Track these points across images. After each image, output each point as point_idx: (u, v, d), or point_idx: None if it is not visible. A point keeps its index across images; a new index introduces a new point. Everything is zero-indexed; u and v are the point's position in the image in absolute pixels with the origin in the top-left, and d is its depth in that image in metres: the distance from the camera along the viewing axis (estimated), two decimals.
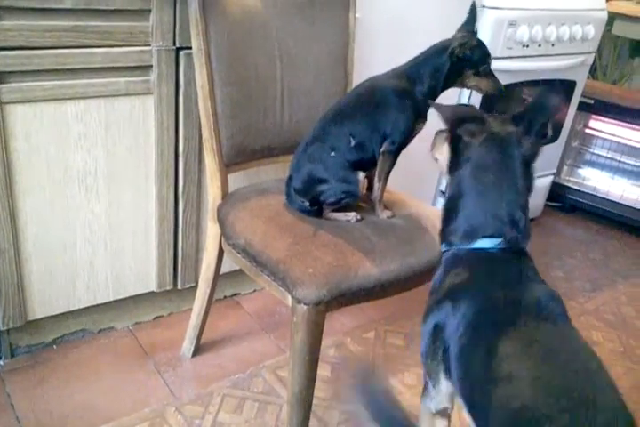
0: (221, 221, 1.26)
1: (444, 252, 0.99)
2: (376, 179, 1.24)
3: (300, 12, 1.38)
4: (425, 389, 1.00)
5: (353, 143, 1.19)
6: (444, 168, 1.03)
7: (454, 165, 0.98)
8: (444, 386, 0.94)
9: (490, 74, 1.22)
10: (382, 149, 1.21)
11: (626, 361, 1.75)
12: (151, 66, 1.31)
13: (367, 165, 1.25)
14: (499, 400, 0.75)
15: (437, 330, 0.92)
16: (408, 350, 1.65)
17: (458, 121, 0.96)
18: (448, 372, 0.90)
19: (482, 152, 0.94)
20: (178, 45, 1.32)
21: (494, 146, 0.94)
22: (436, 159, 1.09)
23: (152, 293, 1.55)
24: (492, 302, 0.87)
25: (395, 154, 1.22)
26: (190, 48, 1.25)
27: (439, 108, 1.00)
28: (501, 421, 0.74)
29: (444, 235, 0.99)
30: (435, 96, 1.23)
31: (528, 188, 0.99)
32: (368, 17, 1.60)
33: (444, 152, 1.03)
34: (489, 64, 1.21)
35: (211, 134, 1.27)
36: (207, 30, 1.23)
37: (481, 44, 1.20)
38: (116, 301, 1.52)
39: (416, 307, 1.78)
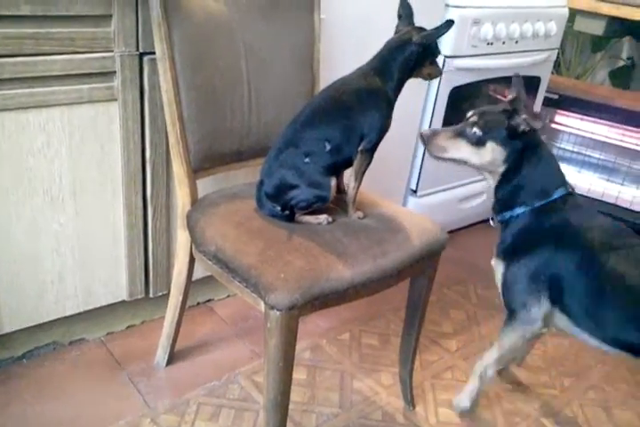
0: (191, 228, 1.25)
1: (516, 215, 1.32)
2: (352, 178, 1.24)
3: (265, 14, 1.37)
4: (519, 319, 1.34)
5: (328, 148, 1.19)
6: (486, 160, 1.30)
7: (513, 149, 1.28)
8: (544, 310, 1.31)
9: (435, 61, 1.29)
10: (360, 148, 1.22)
11: (597, 354, 1.77)
12: (114, 72, 1.28)
13: (342, 167, 1.25)
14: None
15: (541, 268, 1.29)
16: (384, 350, 1.66)
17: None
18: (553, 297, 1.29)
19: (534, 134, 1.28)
20: (141, 51, 1.30)
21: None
22: (454, 159, 1.33)
23: (123, 302, 1.53)
24: (591, 233, 1.26)
25: (372, 152, 1.23)
26: (154, 53, 1.23)
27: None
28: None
29: (515, 200, 1.32)
30: (400, 90, 1.26)
31: None
32: (333, 17, 1.60)
33: (461, 147, 1.30)
34: (439, 52, 1.28)
35: (177, 140, 1.26)
36: (171, 35, 1.21)
37: (431, 33, 1.23)
38: (86, 311, 1.49)
39: (390, 306, 1.81)
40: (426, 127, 2.06)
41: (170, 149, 1.28)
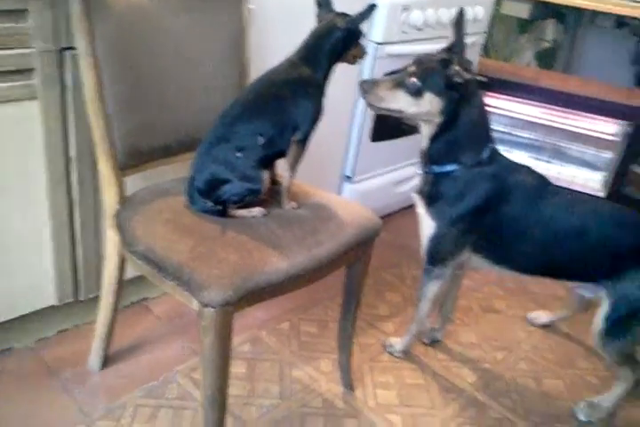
0: (120, 228, 1.24)
1: (446, 171, 1.38)
2: (287, 168, 1.25)
3: (192, 5, 1.35)
4: (437, 274, 1.50)
5: (262, 142, 1.19)
6: (423, 110, 1.32)
7: (450, 100, 1.29)
8: (464, 258, 1.48)
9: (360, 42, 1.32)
10: (294, 139, 1.22)
11: (526, 326, 1.88)
12: (33, 69, 1.24)
13: (275, 158, 1.26)
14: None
15: (470, 222, 1.40)
16: (322, 337, 1.70)
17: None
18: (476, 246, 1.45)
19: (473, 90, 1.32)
20: (62, 46, 1.26)
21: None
22: (392, 109, 1.35)
23: (53, 307, 1.50)
24: (517, 187, 1.39)
25: (305, 142, 1.24)
26: (75, 48, 1.19)
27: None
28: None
29: (447, 156, 1.37)
30: (329, 77, 1.27)
31: None
32: (262, 7, 1.59)
33: (399, 97, 1.32)
34: (364, 33, 1.31)
35: (102, 137, 1.23)
36: (92, 29, 1.18)
37: (355, 17, 1.26)
38: (13, 319, 1.45)
39: (328, 293, 1.85)
40: (359, 115, 2.08)
41: (95, 146, 1.26)
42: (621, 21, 2.70)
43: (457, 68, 1.26)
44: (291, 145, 1.23)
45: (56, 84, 1.28)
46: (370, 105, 1.37)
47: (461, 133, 1.35)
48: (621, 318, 1.40)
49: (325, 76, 1.26)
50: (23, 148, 1.30)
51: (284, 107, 1.21)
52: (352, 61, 1.31)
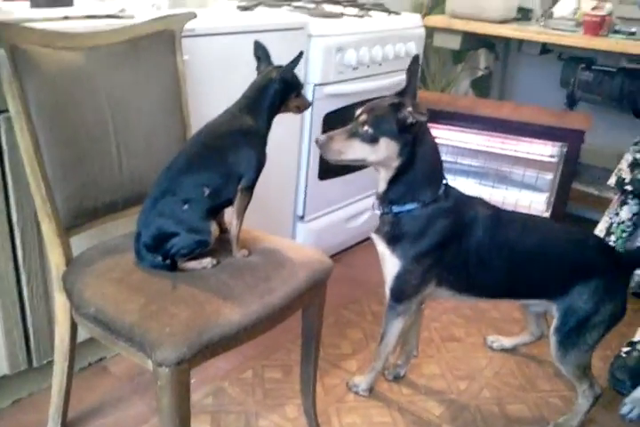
0: (68, 291, 1.21)
1: (407, 210, 1.41)
2: (234, 216, 1.26)
3: (125, 61, 1.36)
4: (402, 310, 1.52)
5: (207, 193, 1.20)
6: (382, 156, 1.35)
7: (405, 142, 1.33)
8: (427, 293, 1.50)
9: (301, 94, 1.35)
10: (240, 187, 1.23)
11: (487, 352, 1.90)
12: None
13: (222, 208, 1.26)
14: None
15: (434, 258, 1.43)
16: (287, 382, 1.68)
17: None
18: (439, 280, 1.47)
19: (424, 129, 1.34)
20: None
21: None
22: (352, 159, 1.37)
23: (5, 376, 1.45)
24: (476, 220, 1.44)
25: (251, 190, 1.25)
26: (8, 111, 1.18)
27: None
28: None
29: (407, 196, 1.40)
30: (270, 126, 1.30)
31: None
32: (197, 58, 1.61)
33: (356, 147, 1.35)
34: (302, 86, 1.34)
35: (43, 199, 1.21)
36: (24, 91, 1.18)
37: (291, 69, 1.29)
38: None
39: (289, 336, 1.83)
40: (304, 155, 2.11)
41: (37, 209, 1.24)
42: (546, 48, 2.84)
43: (409, 109, 1.29)
44: (236, 193, 1.24)
45: None
46: (332, 160, 1.38)
47: (419, 173, 1.38)
48: (571, 329, 1.46)
49: (267, 126, 1.29)
50: None
51: (227, 157, 1.22)
52: (295, 111, 1.35)
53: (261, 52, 1.33)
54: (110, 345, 1.16)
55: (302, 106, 1.35)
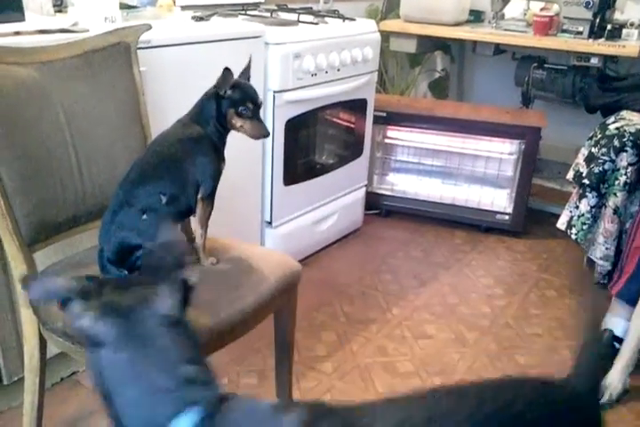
0: (35, 306, 1.20)
1: None
2: (198, 226, 1.26)
3: (81, 75, 1.36)
4: None
5: (164, 200, 1.20)
6: None
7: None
8: None
9: (254, 118, 1.26)
10: (200, 196, 1.23)
11: (459, 347, 1.94)
12: None
13: (184, 216, 1.26)
14: None
15: None
16: (262, 387, 1.68)
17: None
18: None
19: (105, 336, 0.73)
20: None
21: (118, 324, 0.74)
22: None
23: None
24: None
25: (212, 198, 1.25)
26: None
27: None
28: None
29: None
30: (225, 135, 1.28)
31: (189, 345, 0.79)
32: (154, 69, 1.61)
33: None
34: (248, 106, 1.24)
35: (3, 215, 1.19)
36: None
37: (241, 86, 1.25)
38: None
39: (264, 340, 1.84)
40: (268, 161, 2.13)
41: None
42: (499, 48, 2.91)
43: None
44: (197, 203, 1.24)
45: None
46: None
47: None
48: None
49: (219, 134, 1.26)
50: None
51: (180, 164, 1.23)
52: (246, 134, 1.27)
53: (245, 66, 1.31)
54: (81, 359, 1.16)
55: (249, 131, 1.26)
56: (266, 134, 1.29)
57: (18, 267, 1.23)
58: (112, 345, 0.73)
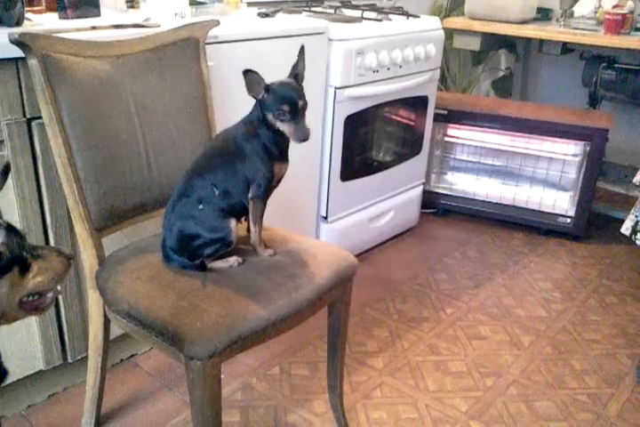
0: (101, 288, 1.25)
1: None
2: (251, 224, 1.28)
3: (151, 68, 1.40)
4: None
5: (217, 192, 1.23)
6: None
7: None
8: None
9: (293, 121, 1.19)
10: (250, 196, 1.25)
11: (513, 349, 1.90)
12: (2, 141, 1.28)
13: (239, 209, 1.29)
14: None
15: None
16: (314, 378, 1.70)
17: None
18: None
19: None
20: (28, 116, 1.31)
21: None
22: None
23: (41, 371, 1.50)
24: None
25: (263, 199, 1.26)
26: (42, 118, 1.23)
27: None
28: None
29: None
30: (282, 136, 1.22)
31: None
32: (221, 64, 1.65)
33: None
34: (283, 109, 1.18)
35: (76, 201, 1.26)
36: (56, 98, 1.22)
37: (274, 89, 1.19)
38: (2, 387, 1.43)
39: (316, 333, 1.86)
40: (327, 157, 2.14)
41: (70, 211, 1.28)
42: (567, 47, 2.83)
43: None
44: (249, 202, 1.25)
45: (26, 154, 1.32)
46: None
47: None
48: None
49: (275, 137, 1.22)
50: None
51: (231, 160, 1.24)
52: (291, 138, 1.21)
53: (298, 57, 1.25)
54: (143, 340, 1.20)
55: (289, 133, 1.19)
56: (303, 139, 1.20)
57: (87, 250, 1.29)
58: None
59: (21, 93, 1.29)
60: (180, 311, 1.13)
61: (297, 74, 1.24)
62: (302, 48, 1.23)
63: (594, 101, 2.86)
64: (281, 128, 1.20)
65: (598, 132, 2.48)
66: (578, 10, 2.82)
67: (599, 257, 2.54)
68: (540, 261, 2.49)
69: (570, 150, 2.61)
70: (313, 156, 2.11)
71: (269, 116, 1.21)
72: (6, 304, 0.81)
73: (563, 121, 2.54)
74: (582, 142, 2.54)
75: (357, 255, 2.33)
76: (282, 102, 1.18)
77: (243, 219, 1.31)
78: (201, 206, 1.22)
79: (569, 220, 2.63)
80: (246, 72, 1.17)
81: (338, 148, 2.13)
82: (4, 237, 0.78)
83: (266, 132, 1.23)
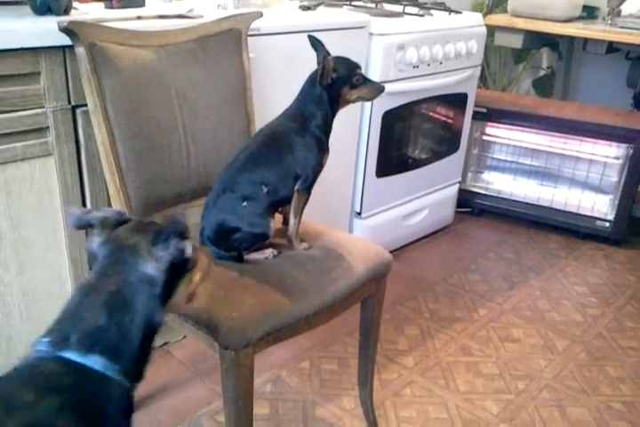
0: None
1: None
2: (291, 215, 1.28)
3: (194, 58, 1.41)
4: None
5: (265, 191, 1.23)
6: None
7: None
8: None
9: (365, 81, 1.26)
10: (296, 188, 1.25)
11: (547, 353, 1.87)
12: (48, 127, 1.30)
13: (281, 204, 1.29)
14: None
15: None
16: (343, 374, 1.70)
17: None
18: None
19: (96, 259, 0.86)
20: (73, 104, 1.33)
21: (105, 256, 0.85)
22: None
23: None
24: None
25: (309, 190, 1.26)
26: (86, 105, 1.25)
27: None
28: None
29: None
30: (330, 124, 1.28)
31: (138, 307, 0.82)
32: (262, 56, 1.65)
33: None
34: (359, 74, 1.25)
35: (117, 189, 1.27)
36: (101, 86, 1.24)
37: (341, 61, 1.24)
38: None
39: (346, 329, 1.85)
40: (362, 153, 2.13)
41: (110, 198, 1.30)
42: (612, 47, 2.76)
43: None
44: (294, 193, 1.25)
45: (70, 141, 1.34)
46: None
47: None
48: None
49: (324, 125, 1.25)
50: (41, 203, 1.34)
51: (283, 157, 1.24)
52: (365, 100, 1.30)
53: (315, 44, 1.29)
54: (178, 327, 1.21)
55: (367, 95, 1.27)
56: (382, 89, 1.28)
57: None
58: (96, 267, 0.85)
59: (67, 81, 1.30)
60: (217, 301, 1.13)
61: (327, 53, 1.27)
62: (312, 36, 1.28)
63: (638, 103, 2.78)
64: (354, 97, 1.26)
65: None
66: (626, 8, 2.74)
67: (638, 263, 2.48)
68: (576, 265, 2.43)
69: (612, 153, 2.54)
70: (349, 151, 2.10)
71: (345, 91, 1.25)
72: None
73: (605, 122, 2.48)
74: (625, 145, 2.48)
75: (390, 252, 2.29)
76: (354, 69, 1.25)
77: (279, 209, 1.31)
78: (245, 204, 1.22)
79: (608, 224, 2.57)
80: (325, 59, 1.22)
81: (374, 143, 2.12)
82: (192, 246, 0.88)
83: (320, 120, 1.25)
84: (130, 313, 0.81)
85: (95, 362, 0.77)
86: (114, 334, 0.80)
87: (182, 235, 0.85)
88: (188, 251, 0.86)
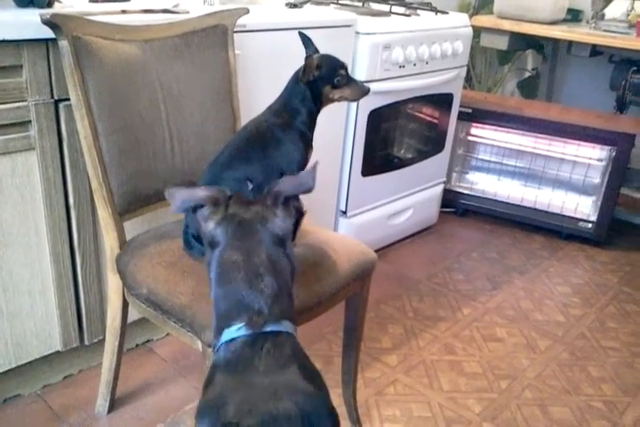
0: (121, 272, 1.25)
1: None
2: None
3: (180, 54, 1.40)
4: None
5: (251, 187, 1.22)
6: None
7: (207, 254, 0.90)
8: None
9: (349, 81, 1.26)
10: None
11: (529, 353, 1.88)
12: (30, 121, 1.28)
13: None
14: None
15: None
16: (328, 372, 1.69)
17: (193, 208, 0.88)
18: None
19: (221, 239, 0.86)
20: (56, 98, 1.31)
21: (235, 230, 0.86)
22: None
23: (58, 352, 1.50)
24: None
25: None
26: (69, 99, 1.23)
27: (171, 195, 0.88)
28: None
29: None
30: (314, 120, 1.28)
31: (285, 266, 0.87)
32: (248, 53, 1.64)
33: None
34: (342, 74, 1.25)
35: (100, 184, 1.26)
36: (84, 80, 1.22)
37: (325, 60, 1.24)
38: (19, 366, 1.45)
39: (331, 327, 1.85)
40: (348, 152, 2.13)
41: (93, 193, 1.28)
42: (596, 50, 2.79)
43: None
44: None
45: (52, 135, 1.32)
46: None
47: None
48: None
49: (308, 121, 1.26)
50: (23, 198, 1.32)
51: (267, 152, 1.23)
52: (348, 100, 1.29)
53: (305, 41, 1.30)
54: (161, 325, 1.20)
55: (350, 96, 1.26)
56: (367, 91, 1.27)
57: (109, 234, 1.29)
58: (223, 247, 0.86)
59: (50, 74, 1.28)
60: (200, 298, 1.12)
61: (316, 50, 1.27)
62: (302, 33, 1.28)
63: (621, 106, 2.81)
64: (337, 96, 1.26)
65: (625, 137, 2.44)
66: (609, 12, 2.77)
67: (620, 264, 2.50)
68: (559, 266, 2.45)
69: (595, 155, 2.57)
70: (335, 150, 2.10)
71: (327, 89, 1.24)
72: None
73: (589, 124, 2.50)
74: (608, 147, 2.50)
75: (375, 252, 2.30)
76: (338, 68, 1.25)
77: None
78: None
79: (590, 225, 2.59)
80: (309, 58, 1.22)
81: (360, 142, 2.12)
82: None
83: (304, 117, 1.25)
84: (283, 274, 0.86)
85: (287, 326, 0.82)
86: (284, 297, 0.84)
87: (296, 196, 0.90)
88: (304, 209, 0.95)
